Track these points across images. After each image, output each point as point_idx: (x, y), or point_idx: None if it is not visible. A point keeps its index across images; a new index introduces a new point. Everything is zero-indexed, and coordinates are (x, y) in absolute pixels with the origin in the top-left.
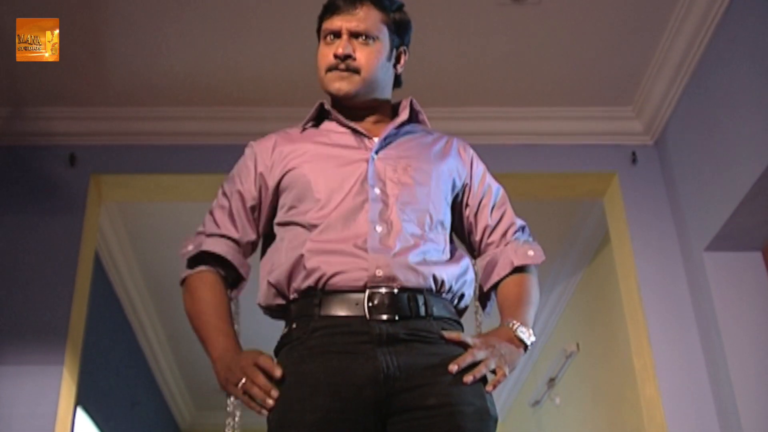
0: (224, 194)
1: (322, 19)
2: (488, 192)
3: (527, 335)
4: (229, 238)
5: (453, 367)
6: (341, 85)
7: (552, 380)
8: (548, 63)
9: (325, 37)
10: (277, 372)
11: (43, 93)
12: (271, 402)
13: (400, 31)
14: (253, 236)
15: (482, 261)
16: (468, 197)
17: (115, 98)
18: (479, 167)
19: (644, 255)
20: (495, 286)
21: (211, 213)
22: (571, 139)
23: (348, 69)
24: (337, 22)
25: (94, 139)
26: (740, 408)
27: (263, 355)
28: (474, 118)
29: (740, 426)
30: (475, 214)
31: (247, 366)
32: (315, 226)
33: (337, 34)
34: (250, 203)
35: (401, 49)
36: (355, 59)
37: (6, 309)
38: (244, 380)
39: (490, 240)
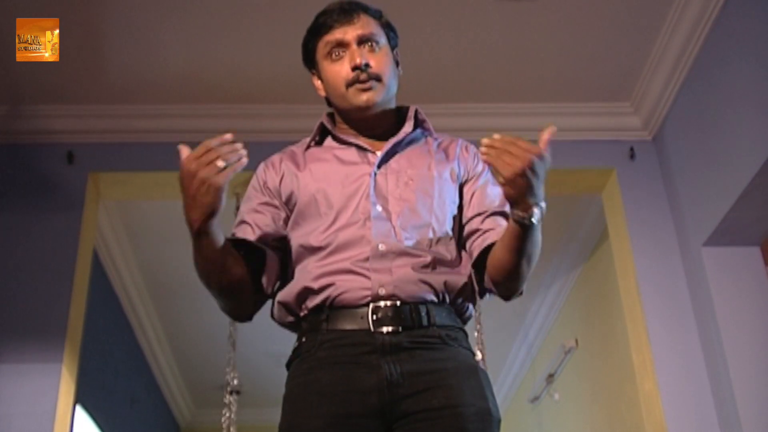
0: (243, 221)
1: (315, 37)
2: (486, 197)
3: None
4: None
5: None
6: (369, 95)
7: (551, 376)
8: (546, 59)
9: (330, 54)
10: (228, 135)
11: (41, 91)
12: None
13: (392, 32)
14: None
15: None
16: (466, 197)
17: (113, 96)
18: (484, 171)
19: (643, 250)
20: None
21: (233, 235)
22: (569, 135)
23: (369, 78)
24: (339, 34)
25: (91, 136)
26: (739, 403)
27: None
28: (472, 114)
29: (739, 421)
30: (469, 218)
31: (192, 162)
32: (321, 248)
33: (343, 44)
34: (266, 222)
35: (395, 51)
36: (372, 66)
37: (5, 307)
38: (198, 174)
39: (473, 246)
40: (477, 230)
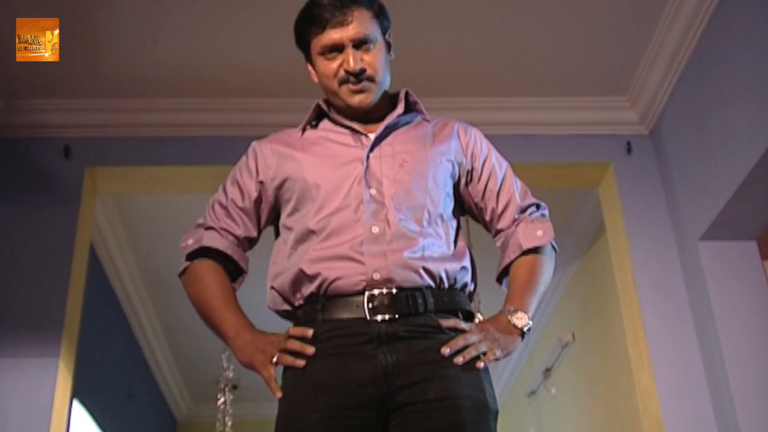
0: (224, 191)
1: (308, 33)
2: (493, 174)
3: (522, 321)
4: (228, 232)
5: (445, 350)
6: (362, 98)
7: (548, 370)
8: (543, 53)
9: (323, 53)
10: (309, 331)
11: (38, 85)
12: (308, 354)
13: (385, 19)
14: (252, 233)
15: (497, 242)
16: (472, 182)
17: (110, 90)
18: (483, 149)
19: (639, 245)
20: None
21: (212, 207)
22: (567, 129)
23: (363, 80)
24: (333, 35)
25: (88, 131)
26: (735, 396)
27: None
28: (469, 108)
29: (735, 414)
30: (482, 198)
31: (280, 340)
32: (314, 232)
33: (338, 48)
34: (249, 202)
35: (388, 34)
36: (366, 70)
37: (1, 302)
38: (277, 355)
39: (500, 226)
40: (501, 228)
